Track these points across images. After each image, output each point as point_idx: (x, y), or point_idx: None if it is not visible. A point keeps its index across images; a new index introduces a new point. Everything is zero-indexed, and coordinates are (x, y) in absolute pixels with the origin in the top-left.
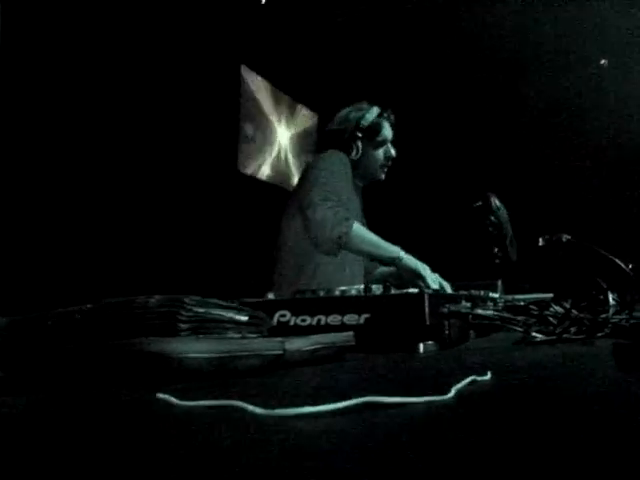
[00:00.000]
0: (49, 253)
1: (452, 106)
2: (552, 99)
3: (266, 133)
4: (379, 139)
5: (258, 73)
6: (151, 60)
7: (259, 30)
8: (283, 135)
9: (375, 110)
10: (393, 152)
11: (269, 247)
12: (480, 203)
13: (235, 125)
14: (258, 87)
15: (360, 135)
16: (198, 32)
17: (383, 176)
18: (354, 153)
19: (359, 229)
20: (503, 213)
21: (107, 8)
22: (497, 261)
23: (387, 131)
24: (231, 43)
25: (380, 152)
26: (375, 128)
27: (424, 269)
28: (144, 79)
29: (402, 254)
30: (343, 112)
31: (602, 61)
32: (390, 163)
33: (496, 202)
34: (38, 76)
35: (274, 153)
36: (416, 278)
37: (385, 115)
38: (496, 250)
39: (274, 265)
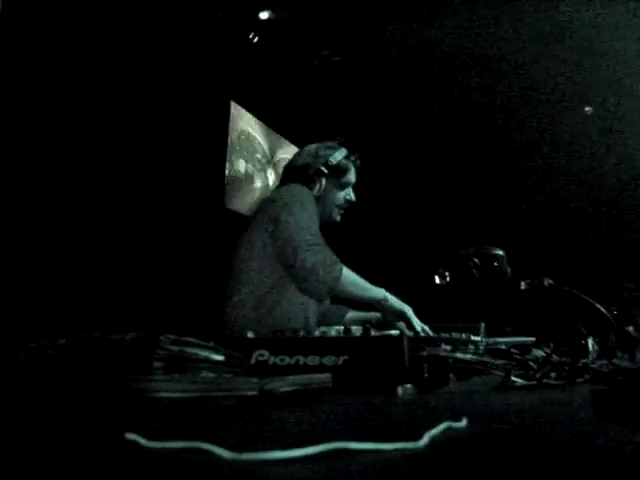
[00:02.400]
0: (20, 286)
1: (439, 152)
2: (535, 145)
3: (253, 168)
4: (343, 180)
5: (247, 109)
6: (141, 96)
7: (249, 67)
8: (270, 171)
9: (344, 151)
10: (353, 196)
11: None
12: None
13: (222, 160)
14: (246, 123)
15: (326, 172)
16: (188, 69)
17: (339, 218)
18: (316, 189)
19: (348, 272)
20: (494, 260)
21: (101, 41)
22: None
23: (352, 175)
24: (221, 79)
25: (341, 194)
26: (342, 168)
27: (409, 310)
28: (134, 115)
29: (388, 295)
30: (311, 147)
31: (587, 108)
32: (347, 206)
33: (494, 252)
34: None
35: (261, 188)
36: (401, 319)
37: (352, 158)
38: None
39: (229, 299)
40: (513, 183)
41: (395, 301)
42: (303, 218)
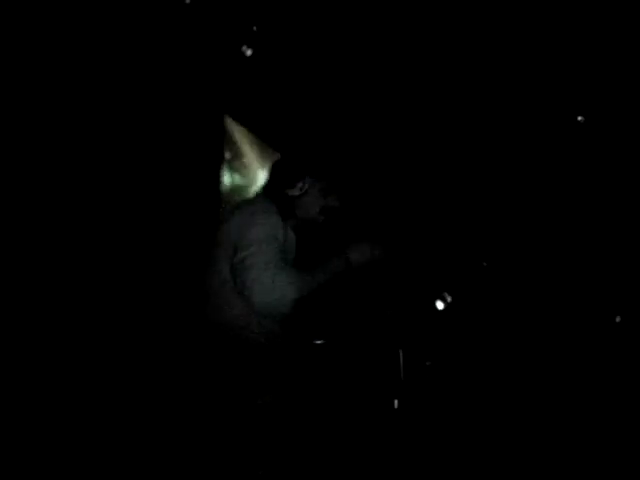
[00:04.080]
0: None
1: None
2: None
3: (247, 182)
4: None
5: (241, 123)
6: (134, 111)
7: (243, 81)
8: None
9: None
10: (337, 202)
11: None
12: None
13: (216, 174)
14: (240, 137)
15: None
16: (181, 82)
17: (321, 220)
18: (297, 188)
19: (297, 281)
20: None
21: (95, 52)
22: None
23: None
24: (215, 94)
25: (323, 198)
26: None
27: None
28: (126, 129)
29: (349, 253)
30: None
31: (579, 118)
32: (332, 211)
33: None
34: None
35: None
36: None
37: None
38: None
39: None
40: (516, 183)
41: (358, 251)
42: (255, 242)
